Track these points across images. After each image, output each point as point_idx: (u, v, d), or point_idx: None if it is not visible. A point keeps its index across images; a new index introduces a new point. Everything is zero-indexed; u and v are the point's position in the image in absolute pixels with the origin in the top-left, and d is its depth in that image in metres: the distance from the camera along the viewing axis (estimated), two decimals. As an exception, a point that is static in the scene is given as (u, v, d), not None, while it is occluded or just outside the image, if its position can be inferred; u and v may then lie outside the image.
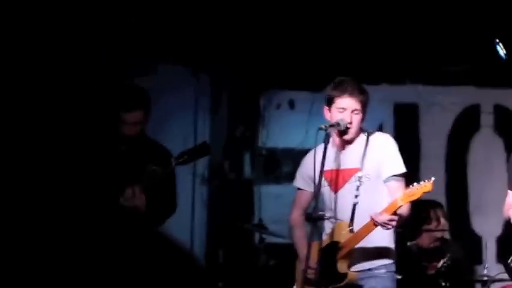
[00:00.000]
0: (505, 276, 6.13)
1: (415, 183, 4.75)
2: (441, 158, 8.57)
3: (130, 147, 5.72)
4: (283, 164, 8.71)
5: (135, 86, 6.23)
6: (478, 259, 8.09)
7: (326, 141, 4.94)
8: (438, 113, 8.56)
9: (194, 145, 5.74)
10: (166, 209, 5.80)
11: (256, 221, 8.38)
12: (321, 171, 4.86)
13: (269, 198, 8.67)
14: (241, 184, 8.79)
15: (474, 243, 8.26)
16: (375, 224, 4.81)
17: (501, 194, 8.03)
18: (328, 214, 5.15)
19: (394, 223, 4.81)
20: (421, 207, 6.77)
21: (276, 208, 8.28)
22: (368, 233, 4.89)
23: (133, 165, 5.67)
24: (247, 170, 8.85)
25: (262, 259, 7.97)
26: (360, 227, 4.94)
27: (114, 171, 5.64)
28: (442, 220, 7.45)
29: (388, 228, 4.85)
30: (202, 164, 8.31)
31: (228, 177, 8.72)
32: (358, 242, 4.95)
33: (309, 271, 4.87)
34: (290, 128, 8.66)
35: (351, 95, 5.03)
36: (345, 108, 5.05)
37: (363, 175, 5.05)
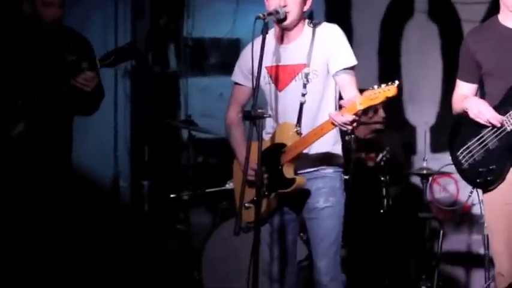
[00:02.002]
0: (445, 169, 6.01)
1: (375, 86, 4.28)
2: (374, 44, 8.27)
3: (51, 38, 5.22)
4: (210, 55, 8.36)
5: None
6: (413, 150, 7.96)
7: (264, 32, 4.49)
8: (371, -2, 8.25)
9: (122, 45, 5.25)
10: (98, 94, 5.41)
11: (183, 116, 8.03)
12: (259, 64, 4.41)
13: (196, 91, 8.36)
14: (166, 77, 8.46)
15: (409, 134, 8.07)
16: (333, 123, 4.41)
17: (435, 82, 7.98)
18: (272, 113, 4.75)
19: (355, 124, 4.40)
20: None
21: (203, 101, 8.05)
22: (322, 135, 4.50)
23: (52, 59, 5.18)
24: (172, 62, 8.52)
25: (190, 155, 7.64)
26: (308, 128, 4.56)
27: (30, 68, 5.15)
28: (380, 111, 7.21)
29: (347, 130, 4.46)
30: None
31: (153, 70, 8.39)
32: (308, 146, 4.57)
33: (250, 173, 4.48)
34: (217, 17, 8.28)
35: None
36: None
37: (311, 71, 4.64)
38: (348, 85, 4.63)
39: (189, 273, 6.66)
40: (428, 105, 7.99)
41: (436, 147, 7.71)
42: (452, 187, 7.72)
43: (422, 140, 7.36)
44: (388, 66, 8.25)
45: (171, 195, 6.96)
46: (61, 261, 5.32)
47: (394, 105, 7.99)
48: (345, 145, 6.74)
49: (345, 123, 4.34)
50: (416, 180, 7.40)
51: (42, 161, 5.21)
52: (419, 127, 8.04)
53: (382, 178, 6.79)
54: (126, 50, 5.11)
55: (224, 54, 7.56)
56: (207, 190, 6.85)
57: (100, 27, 7.47)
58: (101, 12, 7.81)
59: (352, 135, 6.72)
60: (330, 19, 7.58)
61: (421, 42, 8.16)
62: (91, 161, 7.67)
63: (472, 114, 4.55)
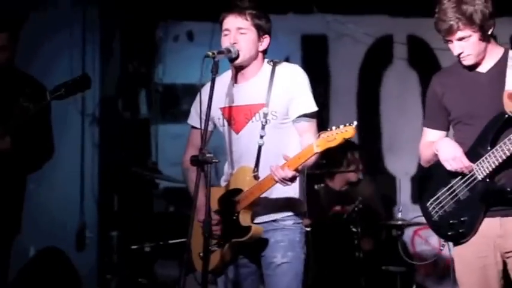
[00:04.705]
0: (420, 219, 5.74)
1: (333, 127, 4.08)
2: (352, 93, 8.19)
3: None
4: (182, 102, 8.25)
5: None
6: (393, 200, 7.71)
7: (214, 71, 4.27)
8: (349, 44, 8.16)
9: (73, 77, 4.98)
10: (41, 152, 5.09)
11: (152, 163, 7.80)
12: (209, 106, 4.20)
13: (167, 139, 8.21)
14: (136, 124, 8.31)
15: (388, 184, 7.89)
16: (273, 179, 4.19)
17: (415, 130, 7.66)
18: (228, 158, 4.50)
19: (295, 180, 4.21)
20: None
21: (175, 149, 7.60)
22: (272, 185, 4.25)
23: (4, 103, 4.91)
24: (143, 108, 8.39)
25: (161, 205, 7.38)
26: (267, 172, 4.28)
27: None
28: (358, 164, 7.04)
29: (286, 185, 4.22)
30: (92, 102, 7.84)
31: (122, 117, 8.21)
32: (263, 192, 4.30)
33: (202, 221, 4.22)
34: (189, 62, 7.94)
35: (235, 13, 4.38)
36: (229, 30, 4.41)
37: (269, 112, 4.39)
38: (306, 133, 4.39)
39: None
40: (408, 154, 7.80)
41: (417, 199, 7.48)
42: (434, 239, 7.43)
43: (403, 190, 7.14)
44: (367, 114, 8.12)
45: (133, 247, 6.65)
46: None
47: (372, 155, 7.82)
48: (313, 195, 6.57)
49: (284, 179, 4.14)
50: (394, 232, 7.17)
51: None
52: (399, 177, 7.83)
53: (354, 229, 6.60)
54: (77, 81, 4.85)
55: None
56: (171, 241, 6.55)
57: (66, 73, 7.22)
58: (68, 58, 7.61)
59: (322, 185, 6.53)
60: (306, 65, 7.50)
61: (400, 90, 8.09)
62: (56, 211, 7.46)
63: (442, 157, 4.26)
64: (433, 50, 7.83)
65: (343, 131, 4.03)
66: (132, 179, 7.67)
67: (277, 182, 4.19)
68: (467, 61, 4.26)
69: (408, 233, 7.49)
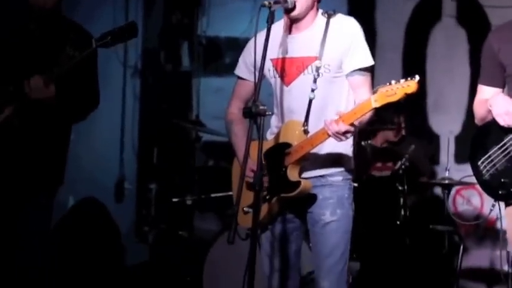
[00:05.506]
0: (467, 179, 5.63)
1: (393, 81, 3.85)
2: (398, 50, 7.96)
3: (42, 25, 4.83)
4: (225, 55, 8.14)
5: None
6: (436, 159, 7.69)
7: (270, 21, 4.08)
8: (396, 0, 7.95)
9: (120, 25, 4.84)
10: (86, 102, 4.96)
11: (193, 117, 7.71)
12: (263, 56, 4.03)
13: (209, 92, 8.09)
14: (178, 76, 8.18)
15: (432, 143, 7.77)
16: (327, 133, 4.04)
17: (462, 90, 7.62)
18: (277, 110, 4.36)
19: (349, 135, 4.04)
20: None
21: (217, 103, 7.55)
22: (324, 140, 4.10)
23: (45, 49, 4.79)
24: (185, 60, 8.24)
25: (200, 159, 7.30)
26: (317, 127, 4.14)
27: (21, 56, 4.77)
28: (402, 124, 6.91)
29: (340, 140, 4.07)
30: (134, 53, 7.81)
31: (164, 69, 8.11)
32: (313, 148, 4.15)
33: (249, 174, 4.09)
34: (233, 15, 8.03)
35: None
36: None
37: (322, 65, 4.22)
38: (361, 87, 4.24)
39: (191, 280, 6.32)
40: (454, 113, 7.75)
41: (460, 158, 7.40)
42: (477, 200, 7.48)
43: (446, 149, 7.01)
44: (413, 72, 7.75)
45: (174, 200, 6.58)
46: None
47: (417, 113, 7.67)
48: (360, 151, 6.45)
49: (338, 133, 3.99)
50: (437, 191, 7.12)
51: (26, 163, 4.81)
52: (443, 136, 7.75)
53: (400, 188, 6.47)
54: (124, 29, 4.69)
55: (240, 55, 7.34)
56: (213, 195, 6.48)
57: (109, 22, 7.15)
58: (111, 7, 7.52)
59: (368, 141, 6.39)
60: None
61: (448, 48, 7.88)
62: (96, 162, 7.45)
63: (495, 112, 4.12)
64: (483, 8, 7.62)
65: (405, 86, 3.82)
66: (173, 132, 7.61)
67: (330, 136, 4.05)
68: None
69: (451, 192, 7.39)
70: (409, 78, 3.83)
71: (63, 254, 6.30)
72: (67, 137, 5.01)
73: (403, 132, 7.28)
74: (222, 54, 8.13)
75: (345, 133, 4.01)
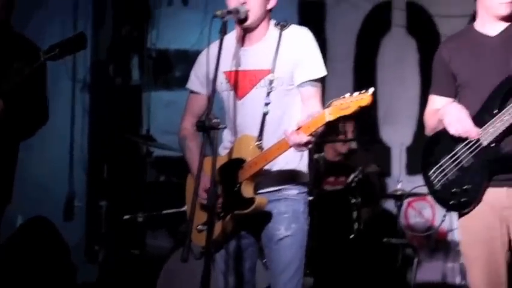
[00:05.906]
0: (420, 190, 5.62)
1: (347, 94, 3.79)
2: (349, 60, 7.99)
3: None
4: (175, 68, 8.11)
5: None
6: (387, 171, 7.67)
7: (223, 32, 4.05)
8: (346, 10, 7.97)
9: (68, 37, 4.72)
10: (35, 117, 4.86)
11: (143, 131, 7.62)
12: (216, 68, 3.98)
13: (160, 106, 8.07)
14: (128, 90, 8.12)
15: (383, 155, 7.76)
16: (286, 144, 3.97)
17: (412, 100, 7.63)
18: (230, 125, 4.29)
19: (310, 146, 3.96)
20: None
21: (168, 117, 7.62)
22: (281, 153, 4.04)
23: None
24: (135, 74, 8.20)
25: (152, 175, 7.21)
26: (270, 142, 4.08)
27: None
28: (350, 135, 6.87)
29: (300, 150, 4.02)
30: (83, 67, 7.71)
31: (114, 83, 8.05)
32: (267, 163, 4.09)
33: (202, 195, 4.04)
34: (183, 28, 7.99)
35: None
36: None
37: (275, 78, 4.18)
38: (312, 99, 4.19)
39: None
40: (404, 124, 7.72)
41: (412, 169, 7.43)
42: (428, 212, 7.49)
43: (398, 161, 7.10)
44: (363, 82, 7.86)
45: (125, 217, 6.48)
46: None
47: (368, 125, 7.67)
48: (313, 164, 6.40)
49: (299, 144, 3.91)
50: (389, 204, 7.11)
51: None
52: (394, 148, 7.74)
53: (353, 200, 6.41)
54: (72, 41, 4.59)
55: (190, 67, 7.32)
56: (164, 211, 6.39)
57: (58, 35, 7.04)
58: (59, 20, 7.41)
59: (321, 154, 6.34)
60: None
61: (398, 58, 7.91)
62: (44, 180, 7.37)
63: (448, 121, 4.09)
64: (432, 17, 7.67)
65: (359, 99, 3.75)
66: (123, 147, 7.52)
67: (290, 147, 3.97)
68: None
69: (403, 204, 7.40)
70: (363, 91, 3.77)
71: (12, 274, 6.17)
72: (15, 154, 4.91)
73: (352, 140, 7.18)
74: (172, 67, 8.09)
75: (306, 144, 3.94)
